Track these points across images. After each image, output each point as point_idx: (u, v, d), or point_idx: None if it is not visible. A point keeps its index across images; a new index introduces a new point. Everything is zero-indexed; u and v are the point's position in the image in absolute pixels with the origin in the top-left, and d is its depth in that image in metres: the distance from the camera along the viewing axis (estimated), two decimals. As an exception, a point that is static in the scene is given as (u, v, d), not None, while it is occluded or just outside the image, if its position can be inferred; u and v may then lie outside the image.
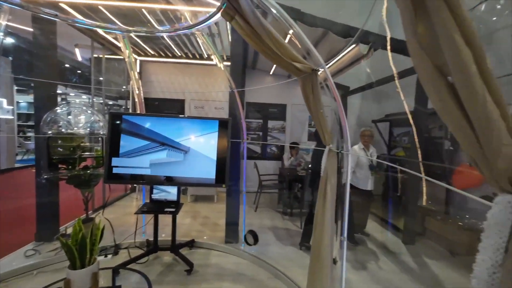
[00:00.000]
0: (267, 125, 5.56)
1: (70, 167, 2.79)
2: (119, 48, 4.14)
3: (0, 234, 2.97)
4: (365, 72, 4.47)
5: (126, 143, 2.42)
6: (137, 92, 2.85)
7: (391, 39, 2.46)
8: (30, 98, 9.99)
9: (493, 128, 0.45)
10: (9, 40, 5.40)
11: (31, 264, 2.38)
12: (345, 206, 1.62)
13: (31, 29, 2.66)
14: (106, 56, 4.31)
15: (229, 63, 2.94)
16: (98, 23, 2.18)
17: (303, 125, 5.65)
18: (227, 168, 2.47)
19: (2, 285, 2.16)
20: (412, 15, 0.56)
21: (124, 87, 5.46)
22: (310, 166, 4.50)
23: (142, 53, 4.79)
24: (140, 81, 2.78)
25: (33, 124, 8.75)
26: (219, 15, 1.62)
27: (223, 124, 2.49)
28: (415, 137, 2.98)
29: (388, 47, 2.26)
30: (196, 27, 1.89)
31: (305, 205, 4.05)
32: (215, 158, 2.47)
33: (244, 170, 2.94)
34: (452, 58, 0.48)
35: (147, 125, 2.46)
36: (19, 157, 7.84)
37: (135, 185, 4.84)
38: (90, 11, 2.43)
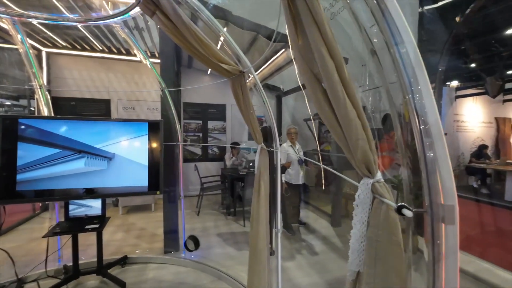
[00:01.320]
0: (207, 126, 5.45)
1: None
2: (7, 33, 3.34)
3: None
4: (297, 75, 4.87)
5: (26, 153, 1.98)
6: (39, 89, 2.36)
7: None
8: None
9: (352, 126, 0.57)
10: None
11: None
12: (277, 200, 1.73)
13: None
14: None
15: (158, 60, 2.75)
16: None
17: (243, 125, 5.76)
18: (161, 173, 2.30)
19: None
20: (293, 30, 0.64)
21: (30, 84, 4.45)
22: (251, 165, 4.63)
23: (50, 44, 4.00)
24: (43, 77, 2.31)
25: None
26: (138, 9, 1.48)
27: (154, 126, 2.31)
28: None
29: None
30: (113, 19, 1.68)
31: (248, 203, 4.16)
32: (146, 163, 2.27)
33: (181, 173, 2.80)
34: (321, 67, 0.57)
35: (59, 130, 2.07)
36: None
37: (46, 202, 4.01)
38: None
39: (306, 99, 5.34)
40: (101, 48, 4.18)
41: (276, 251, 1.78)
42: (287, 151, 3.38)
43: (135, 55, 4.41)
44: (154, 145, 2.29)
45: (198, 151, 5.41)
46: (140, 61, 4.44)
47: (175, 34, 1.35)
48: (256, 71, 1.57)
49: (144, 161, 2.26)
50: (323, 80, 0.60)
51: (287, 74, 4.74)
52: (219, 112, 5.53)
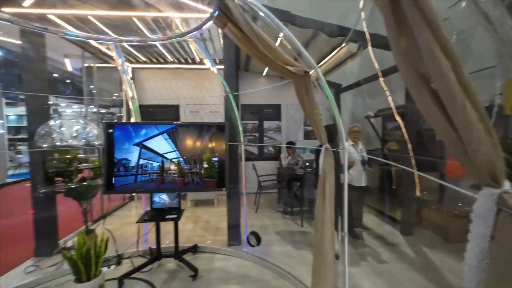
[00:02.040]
0: (263, 126, 5.59)
1: (67, 179, 2.77)
2: (110, 57, 4.11)
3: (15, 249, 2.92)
4: (356, 70, 4.55)
5: (123, 152, 2.42)
6: (131, 99, 2.84)
7: (374, 35, 2.52)
8: (19, 110, 9.80)
9: (472, 129, 0.50)
10: (-4, 54, 5.30)
11: (33, 280, 2.35)
12: (344, 203, 1.66)
13: (19, 42, 2.63)
14: (97, 65, 4.27)
15: (222, 67, 2.96)
16: (89, 35, 2.17)
17: (299, 124, 5.70)
18: (227, 171, 2.49)
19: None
20: (395, 30, 0.59)
21: (116, 94, 5.42)
22: (307, 164, 4.55)
23: (134, 61, 4.77)
24: (134, 89, 2.77)
25: (25, 137, 8.61)
26: (211, 22, 1.64)
27: (220, 128, 2.51)
28: (404, 130, 3.05)
29: (369, 44, 2.32)
30: (189, 35, 1.90)
31: (306, 203, 4.10)
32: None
33: (243, 172, 2.96)
34: (432, 68, 0.52)
35: (143, 132, 2.46)
36: (10, 172, 7.67)
37: (133, 194, 4.80)
38: (81, 22, 2.41)
39: (366, 95, 4.93)
40: (172, 60, 4.74)
41: (342, 255, 1.71)
42: (349, 151, 3.19)
43: (200, 64, 4.87)
44: (220, 145, 2.48)
45: (254, 150, 5.60)
46: (208, 69, 4.87)
47: (244, 42, 1.44)
48: (313, 68, 1.53)
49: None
50: (434, 81, 0.55)
51: (346, 69, 4.47)
52: (274, 112, 5.61)
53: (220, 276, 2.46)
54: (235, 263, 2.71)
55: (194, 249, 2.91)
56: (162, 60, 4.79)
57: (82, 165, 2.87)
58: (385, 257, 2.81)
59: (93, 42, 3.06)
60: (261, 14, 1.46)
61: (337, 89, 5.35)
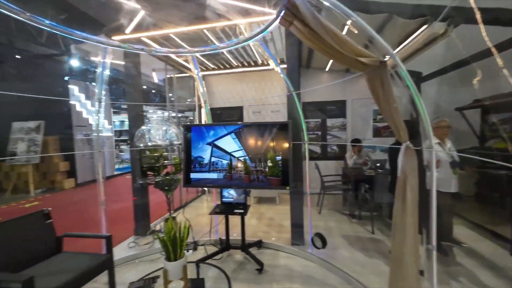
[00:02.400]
0: (326, 124, 5.35)
1: (155, 174, 3.31)
2: (185, 67, 4.70)
3: (110, 229, 3.73)
4: (442, 54, 3.83)
5: (198, 151, 2.72)
6: (204, 103, 3.17)
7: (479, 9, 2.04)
8: (121, 117, 12.28)
9: None
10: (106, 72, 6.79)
11: (133, 254, 2.91)
12: (433, 211, 1.42)
13: (122, 62, 3.30)
14: (176, 75, 4.95)
15: (284, 66, 2.98)
16: (172, 50, 2.55)
17: (367, 121, 5.20)
18: (291, 170, 2.49)
19: (116, 269, 2.71)
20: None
21: (188, 100, 6.15)
22: (378, 165, 4.11)
23: (204, 68, 5.30)
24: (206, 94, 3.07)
25: (124, 138, 10.67)
26: (276, 23, 1.67)
27: (283, 127, 2.53)
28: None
29: (478, 18, 1.89)
30: (254, 38, 1.99)
31: (377, 208, 3.72)
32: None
33: (307, 171, 2.90)
34: None
35: (214, 133, 2.71)
36: (116, 166, 9.69)
37: (205, 188, 5.36)
38: (165, 40, 2.86)
39: (459, 83, 4.09)
40: (236, 64, 5.05)
41: (429, 272, 1.48)
42: (435, 150, 2.72)
43: (262, 65, 5.03)
44: (284, 144, 2.51)
45: (317, 149, 5.42)
46: (269, 70, 5.00)
47: (310, 38, 1.41)
48: (387, 57, 1.36)
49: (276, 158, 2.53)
50: None
51: (428, 55, 3.81)
52: (338, 108, 5.28)
53: (285, 273, 2.49)
54: (299, 263, 2.69)
55: (259, 244, 3.03)
56: (227, 66, 5.16)
57: (167, 162, 3.38)
58: (488, 281, 2.28)
59: (173, 56, 3.57)
60: (327, 4, 1.39)
61: (417, 79, 4.62)
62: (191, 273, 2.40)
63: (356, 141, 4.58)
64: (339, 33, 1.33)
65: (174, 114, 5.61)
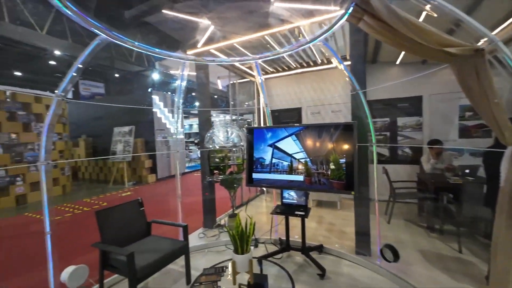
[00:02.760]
0: (397, 123, 4.78)
1: (221, 172, 3.61)
2: (247, 73, 4.97)
3: (184, 219, 4.26)
4: None
5: (260, 152, 2.85)
6: (265, 106, 3.30)
7: None
8: (189, 121, 13.85)
9: None
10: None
11: (202, 244, 3.24)
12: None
13: (194, 73, 3.74)
14: (238, 81, 5.28)
15: (347, 63, 2.82)
16: (237, 58, 2.77)
17: (450, 119, 4.42)
18: (355, 174, 2.35)
19: (193, 255, 3.08)
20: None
21: (246, 103, 6.45)
22: (467, 171, 3.44)
23: (264, 72, 5.49)
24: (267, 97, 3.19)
25: (192, 140, 11.94)
26: (343, 21, 1.61)
27: (348, 128, 2.41)
28: None
29: None
30: (318, 39, 1.97)
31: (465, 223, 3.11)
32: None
33: (375, 176, 2.67)
34: None
35: (275, 135, 2.78)
36: (186, 165, 10.96)
37: (264, 188, 5.54)
38: (230, 50, 3.12)
39: None
40: (294, 66, 5.05)
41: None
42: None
43: (322, 64, 4.89)
44: (349, 146, 2.38)
45: (384, 152, 4.90)
46: (329, 69, 4.84)
47: (383, 32, 1.31)
48: (482, 40, 1.13)
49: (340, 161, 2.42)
50: None
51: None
52: (412, 106, 4.65)
53: (349, 283, 2.35)
54: (365, 274, 2.50)
55: (320, 248, 2.94)
56: (286, 68, 5.20)
57: (230, 162, 3.65)
58: None
59: (237, 64, 3.84)
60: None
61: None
62: (254, 268, 2.53)
63: (434, 142, 3.93)
64: (420, 24, 1.20)
65: (235, 117, 5.99)
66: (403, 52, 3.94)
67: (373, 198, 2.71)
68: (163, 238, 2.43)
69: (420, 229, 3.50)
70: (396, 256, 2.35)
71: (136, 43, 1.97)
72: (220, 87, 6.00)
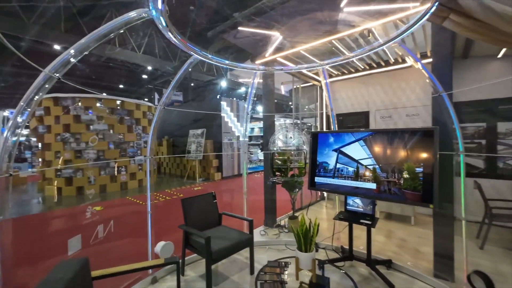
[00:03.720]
0: (496, 129, 3.94)
1: (283, 174, 3.75)
2: (311, 77, 4.98)
3: (248, 216, 4.57)
4: None
5: (323, 157, 2.85)
6: (331, 110, 3.28)
7: None
8: (251, 125, 14.59)
9: None
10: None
11: (264, 240, 3.43)
12: None
13: (261, 80, 4.01)
14: (302, 85, 5.35)
15: (428, 60, 2.53)
16: (305, 65, 2.87)
17: None
18: (436, 185, 2.10)
19: (255, 250, 3.31)
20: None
21: (306, 107, 6.40)
22: None
23: (328, 76, 5.38)
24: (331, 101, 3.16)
25: (254, 143, 12.56)
26: (422, 21, 1.51)
27: (427, 134, 2.18)
28: None
29: None
30: (394, 41, 1.87)
31: None
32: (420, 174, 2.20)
33: (462, 190, 2.31)
34: None
35: (341, 139, 2.74)
36: (248, 165, 11.57)
37: (324, 193, 5.40)
38: (297, 58, 3.24)
39: None
40: (362, 68, 4.78)
41: None
42: None
43: (395, 64, 4.48)
44: (427, 154, 2.15)
45: (479, 163, 4.09)
46: (402, 69, 4.41)
47: (477, 30, 1.19)
48: None
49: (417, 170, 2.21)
50: None
51: None
52: (520, 108, 3.75)
53: (425, 307, 2.11)
54: (447, 302, 2.18)
55: (389, 263, 2.71)
56: (352, 70, 4.97)
57: (292, 165, 3.75)
58: None
59: (304, 71, 3.93)
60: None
61: None
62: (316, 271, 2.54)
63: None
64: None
65: (298, 121, 6.05)
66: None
67: (459, 216, 2.34)
68: (232, 229, 2.72)
69: (530, 263, 2.79)
70: (490, 287, 1.97)
71: (226, 62, 2.32)
72: (283, 92, 6.18)
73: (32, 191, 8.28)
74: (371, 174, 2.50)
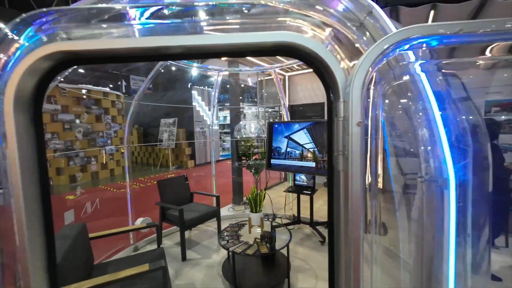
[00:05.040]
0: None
1: (247, 159, 4.35)
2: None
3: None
4: None
5: (277, 142, 3.48)
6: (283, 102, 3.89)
7: None
8: (224, 113, 14.92)
9: None
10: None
11: (231, 214, 4.06)
12: None
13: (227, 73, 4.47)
14: (265, 78, 5.89)
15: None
16: (260, 68, 3.40)
17: (474, 114, 4.42)
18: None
19: (223, 222, 3.91)
20: None
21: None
22: None
23: (290, 70, 5.98)
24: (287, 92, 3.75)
25: (226, 131, 12.92)
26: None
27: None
28: None
29: None
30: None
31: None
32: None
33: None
34: None
35: (289, 128, 3.37)
36: (221, 153, 12.06)
37: (283, 173, 6.15)
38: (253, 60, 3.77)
39: None
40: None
41: None
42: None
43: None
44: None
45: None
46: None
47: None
48: None
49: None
50: None
51: None
52: None
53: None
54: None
55: (327, 223, 3.50)
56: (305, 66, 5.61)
57: (255, 150, 4.35)
58: None
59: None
60: None
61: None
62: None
63: None
64: None
65: (269, 110, 6.62)
66: None
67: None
68: (202, 204, 3.27)
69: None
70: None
71: (194, 64, 2.74)
72: (251, 84, 6.67)
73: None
74: (311, 155, 3.18)
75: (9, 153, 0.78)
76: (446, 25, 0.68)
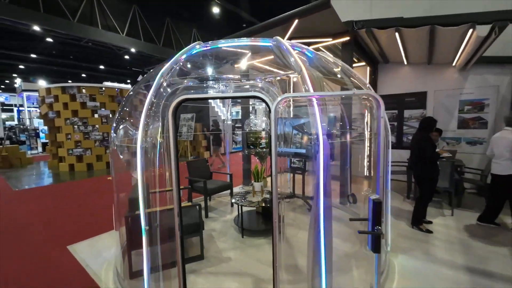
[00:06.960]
0: (403, 115, 5.67)
1: (255, 148, 5.33)
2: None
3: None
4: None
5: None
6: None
7: None
8: (237, 109, 15.93)
9: None
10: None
11: (241, 192, 5.08)
12: None
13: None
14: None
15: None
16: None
17: (451, 112, 5.14)
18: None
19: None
20: None
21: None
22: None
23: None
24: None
25: (239, 126, 13.99)
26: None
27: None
28: None
29: None
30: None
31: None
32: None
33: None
34: None
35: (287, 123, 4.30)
36: (233, 146, 13.12)
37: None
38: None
39: None
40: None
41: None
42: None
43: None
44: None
45: (392, 139, 5.85)
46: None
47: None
48: None
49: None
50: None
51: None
52: (417, 100, 5.47)
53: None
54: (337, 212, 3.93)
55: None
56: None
57: (262, 141, 5.32)
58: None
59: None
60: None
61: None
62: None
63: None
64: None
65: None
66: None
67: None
68: (218, 181, 4.31)
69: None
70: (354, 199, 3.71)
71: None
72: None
73: (45, 168, 9.32)
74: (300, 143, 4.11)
75: (171, 137, 1.80)
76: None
